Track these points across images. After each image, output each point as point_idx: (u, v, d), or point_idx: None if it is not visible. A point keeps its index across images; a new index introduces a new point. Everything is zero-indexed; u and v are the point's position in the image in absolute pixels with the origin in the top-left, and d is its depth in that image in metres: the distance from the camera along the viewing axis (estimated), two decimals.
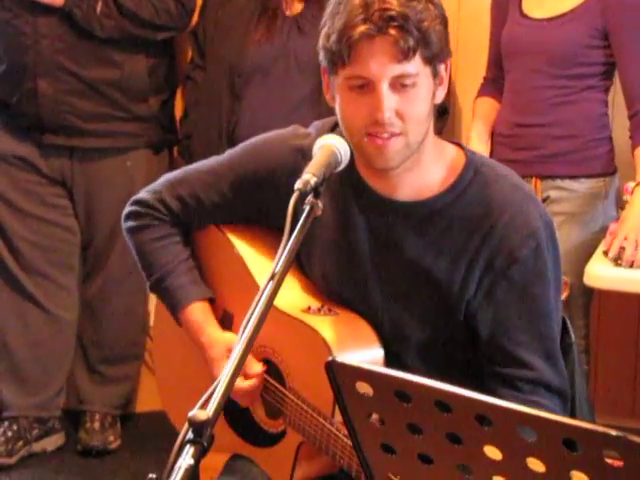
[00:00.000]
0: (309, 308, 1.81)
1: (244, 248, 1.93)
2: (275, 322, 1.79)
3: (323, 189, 1.73)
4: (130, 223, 1.97)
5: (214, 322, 1.92)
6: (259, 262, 1.91)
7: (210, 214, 1.94)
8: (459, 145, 1.80)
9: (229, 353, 1.80)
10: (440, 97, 1.71)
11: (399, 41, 1.60)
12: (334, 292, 1.84)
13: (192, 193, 1.92)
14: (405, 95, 1.64)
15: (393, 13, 1.61)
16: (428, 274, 1.73)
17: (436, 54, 1.66)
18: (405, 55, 1.62)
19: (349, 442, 1.59)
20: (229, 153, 1.94)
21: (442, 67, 1.69)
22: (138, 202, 1.96)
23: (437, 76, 1.68)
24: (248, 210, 1.91)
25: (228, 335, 1.90)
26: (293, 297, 1.84)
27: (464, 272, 1.71)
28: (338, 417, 1.62)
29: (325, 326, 1.75)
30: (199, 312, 1.92)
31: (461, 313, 1.73)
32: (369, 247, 1.78)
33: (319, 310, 1.80)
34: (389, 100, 1.64)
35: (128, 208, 1.98)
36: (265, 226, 1.91)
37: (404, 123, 1.65)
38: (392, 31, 1.60)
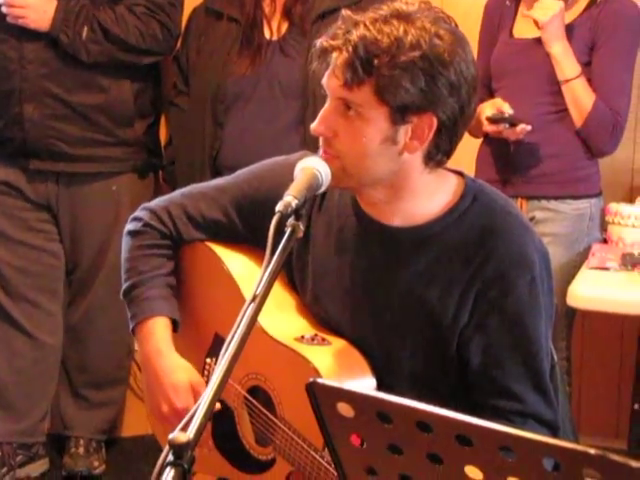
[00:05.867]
0: (302, 337, 1.79)
1: (236, 270, 1.92)
2: (268, 350, 1.79)
3: (317, 211, 1.74)
4: (129, 226, 1.98)
5: (172, 345, 1.88)
6: (252, 285, 1.90)
7: (209, 228, 1.93)
8: (461, 173, 1.77)
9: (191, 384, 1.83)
10: (414, 150, 1.64)
11: (347, 66, 1.59)
12: (326, 317, 1.83)
13: (196, 205, 1.92)
14: (348, 121, 1.62)
15: (352, 36, 1.59)
16: (421, 302, 1.71)
17: (401, 102, 1.58)
18: (348, 82, 1.60)
19: None
20: (238, 172, 1.94)
21: (417, 119, 1.60)
22: (145, 208, 1.98)
23: (404, 124, 1.60)
24: (245, 229, 1.90)
25: (185, 363, 1.87)
26: (287, 324, 1.83)
27: (457, 301, 1.69)
28: None
29: (318, 356, 1.74)
30: (161, 329, 1.88)
31: (454, 344, 1.71)
32: (362, 272, 1.77)
33: (312, 339, 1.79)
34: (326, 114, 1.64)
35: (135, 213, 1.99)
36: (260, 248, 1.89)
37: (339, 148, 1.63)
38: (345, 53, 1.59)
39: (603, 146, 2.92)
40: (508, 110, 2.84)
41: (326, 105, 1.66)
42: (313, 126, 1.66)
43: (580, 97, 2.84)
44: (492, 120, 2.84)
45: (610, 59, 2.86)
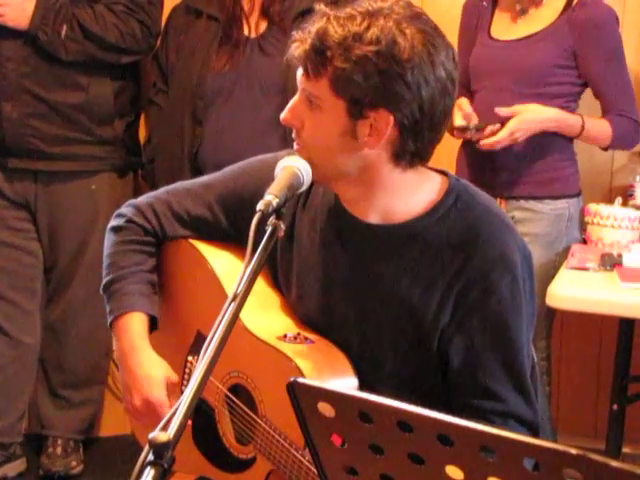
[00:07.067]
0: (285, 336, 1.79)
1: (219, 268, 1.91)
2: (250, 348, 1.78)
3: (301, 209, 1.73)
4: (112, 222, 1.97)
5: (147, 341, 1.86)
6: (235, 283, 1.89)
7: (194, 225, 1.92)
8: (445, 173, 1.76)
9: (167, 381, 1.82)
10: (374, 146, 1.62)
11: (305, 57, 1.61)
12: (309, 315, 1.83)
13: (181, 201, 1.92)
14: (313, 113, 1.64)
15: (313, 28, 1.61)
16: (402, 301, 1.71)
17: (355, 96, 1.58)
18: (306, 73, 1.62)
19: None
20: (224, 169, 1.94)
21: (374, 115, 1.59)
22: (129, 204, 1.97)
23: (362, 119, 1.60)
24: (230, 227, 1.89)
25: (161, 360, 1.86)
26: (270, 323, 1.83)
27: (438, 301, 1.68)
28: None
29: (300, 355, 1.73)
30: (137, 324, 1.87)
31: (434, 343, 1.70)
32: (345, 270, 1.76)
33: (295, 338, 1.78)
34: (295, 105, 1.65)
35: (119, 209, 1.98)
36: (244, 246, 1.89)
37: (305, 138, 1.65)
38: (305, 45, 1.61)
39: (631, 147, 3.09)
40: (474, 120, 2.86)
41: (296, 96, 1.67)
42: (282, 115, 1.68)
43: (598, 130, 2.90)
44: (459, 130, 2.87)
45: (609, 69, 2.88)
